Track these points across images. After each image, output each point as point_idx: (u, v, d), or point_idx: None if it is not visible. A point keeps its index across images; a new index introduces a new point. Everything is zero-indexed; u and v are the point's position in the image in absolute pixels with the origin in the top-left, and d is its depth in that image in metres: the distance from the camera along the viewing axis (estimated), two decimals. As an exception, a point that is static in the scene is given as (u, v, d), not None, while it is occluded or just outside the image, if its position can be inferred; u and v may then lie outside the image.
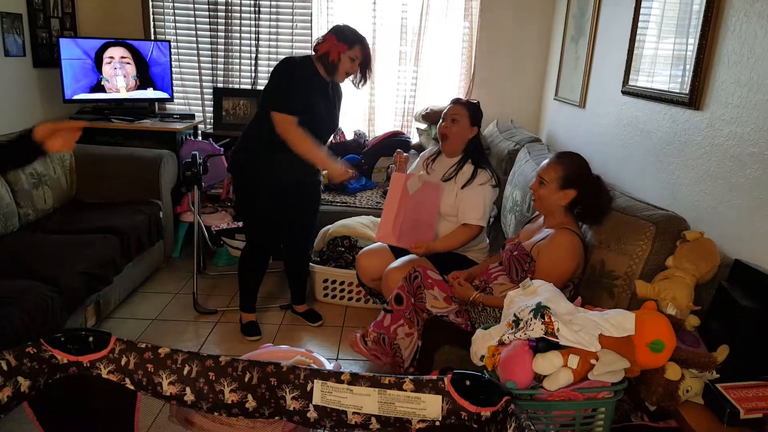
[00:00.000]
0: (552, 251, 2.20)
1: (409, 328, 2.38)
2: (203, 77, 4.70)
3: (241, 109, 4.59)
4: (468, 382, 1.42)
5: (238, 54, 4.65)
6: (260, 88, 4.56)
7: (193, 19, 4.59)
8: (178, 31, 4.63)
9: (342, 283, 3.55)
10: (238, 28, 4.59)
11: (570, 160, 2.32)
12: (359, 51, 2.80)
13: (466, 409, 1.40)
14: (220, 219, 4.02)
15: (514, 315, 1.74)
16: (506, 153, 3.68)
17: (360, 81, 2.94)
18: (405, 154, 2.96)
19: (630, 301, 2.04)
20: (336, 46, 2.76)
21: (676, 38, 2.47)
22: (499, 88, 4.62)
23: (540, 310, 1.65)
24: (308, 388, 1.47)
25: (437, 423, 1.42)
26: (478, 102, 2.90)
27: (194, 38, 4.62)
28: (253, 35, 4.60)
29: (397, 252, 2.88)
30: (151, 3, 4.55)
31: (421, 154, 3.14)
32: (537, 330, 1.62)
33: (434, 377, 1.43)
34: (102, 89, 4.21)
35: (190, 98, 4.78)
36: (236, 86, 4.70)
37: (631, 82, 2.85)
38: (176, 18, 4.60)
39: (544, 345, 1.61)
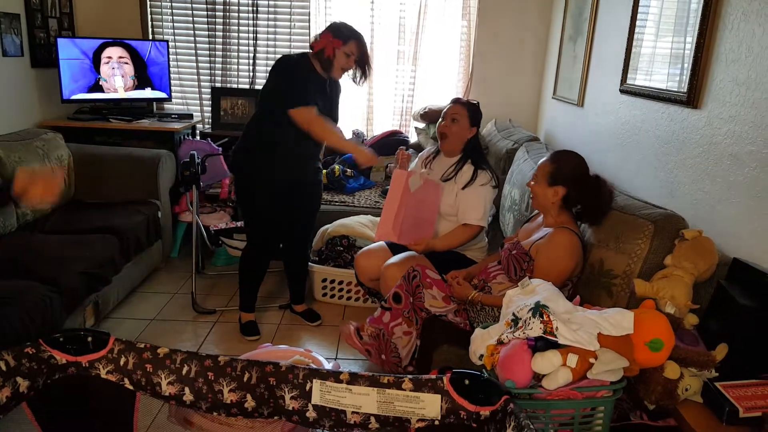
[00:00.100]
0: (550, 250, 2.20)
1: (407, 327, 2.38)
2: (201, 77, 4.70)
3: (239, 108, 4.58)
4: (467, 382, 1.42)
5: (236, 54, 4.65)
6: (258, 87, 4.56)
7: (191, 18, 4.58)
8: (176, 30, 4.62)
9: (341, 282, 3.55)
10: (236, 27, 4.59)
11: (562, 157, 2.32)
12: (354, 47, 2.81)
13: (465, 408, 1.41)
14: (218, 219, 4.02)
15: (513, 314, 1.74)
16: (504, 152, 3.68)
17: (360, 78, 2.94)
18: (408, 151, 2.96)
19: (629, 300, 2.04)
20: (331, 43, 2.78)
21: (674, 37, 2.47)
22: (497, 87, 4.62)
23: (539, 309, 1.65)
24: (307, 388, 1.47)
25: (436, 422, 1.42)
26: (478, 103, 2.91)
27: (192, 38, 4.62)
28: (251, 35, 4.60)
29: (396, 251, 2.87)
30: (149, 3, 4.54)
31: (419, 154, 3.15)
32: (536, 329, 1.62)
33: (433, 376, 1.43)
34: (100, 89, 4.21)
35: (188, 98, 4.77)
36: (234, 86, 4.69)
37: (629, 81, 2.85)
38: (174, 18, 4.59)
39: (543, 344, 1.61)
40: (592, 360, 1.57)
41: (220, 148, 4.16)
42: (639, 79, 2.77)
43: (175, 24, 4.60)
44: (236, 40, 4.62)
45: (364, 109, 4.78)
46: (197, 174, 3.43)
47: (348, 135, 4.75)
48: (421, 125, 4.55)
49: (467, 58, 4.62)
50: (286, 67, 2.81)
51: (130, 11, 4.53)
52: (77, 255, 2.89)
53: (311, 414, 1.47)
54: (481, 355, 1.79)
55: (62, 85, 4.02)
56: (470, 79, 4.63)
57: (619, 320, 1.65)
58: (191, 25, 4.59)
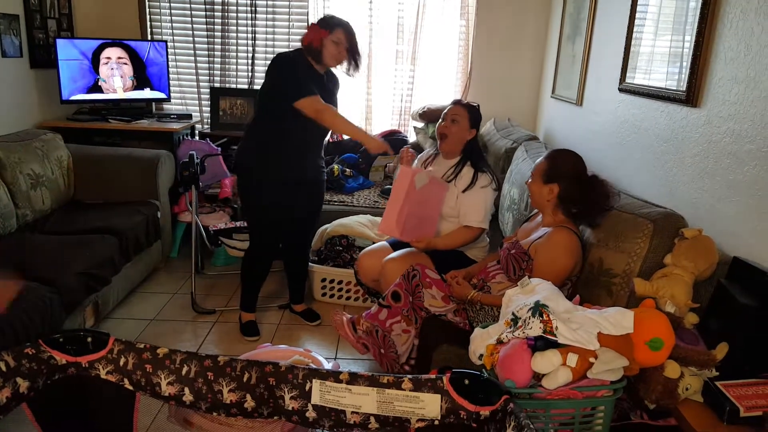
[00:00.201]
0: (549, 249, 2.19)
1: (406, 326, 2.38)
2: (200, 77, 4.70)
3: (238, 108, 4.58)
4: (467, 381, 1.42)
5: (234, 54, 4.65)
6: (257, 87, 4.55)
7: (189, 19, 4.58)
8: (174, 31, 4.62)
9: (340, 282, 3.55)
10: (235, 27, 4.59)
11: (558, 155, 2.32)
12: (341, 34, 2.82)
13: (465, 408, 1.40)
14: (217, 219, 4.02)
15: (513, 314, 1.74)
16: (504, 151, 3.68)
17: (351, 68, 2.94)
18: (412, 150, 2.96)
19: (628, 299, 2.04)
20: (318, 33, 2.80)
21: (673, 35, 2.47)
22: (496, 87, 4.62)
23: (538, 309, 1.65)
24: (307, 388, 1.46)
25: (436, 422, 1.42)
26: (479, 105, 2.92)
27: (191, 38, 4.62)
28: (249, 35, 4.60)
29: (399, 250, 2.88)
30: (147, 3, 4.54)
31: (419, 156, 3.15)
32: (535, 328, 1.61)
33: (433, 376, 1.43)
34: (99, 90, 4.21)
35: (187, 98, 4.77)
36: (233, 86, 4.69)
37: (628, 80, 2.85)
38: (173, 18, 4.59)
39: (543, 343, 1.60)
40: (592, 359, 1.57)
41: (219, 148, 4.16)
42: (638, 77, 2.77)
43: (173, 24, 4.60)
44: (235, 40, 4.62)
45: (362, 109, 4.77)
46: (196, 174, 3.43)
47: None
48: (420, 125, 4.55)
49: (466, 58, 4.62)
50: (284, 63, 2.83)
51: (128, 12, 4.53)
52: (77, 255, 2.89)
53: (311, 414, 1.47)
54: (481, 355, 1.78)
55: (61, 85, 4.02)
56: (469, 79, 4.63)
57: (619, 319, 1.64)
58: (190, 25, 4.59)
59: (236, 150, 3.04)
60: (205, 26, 4.59)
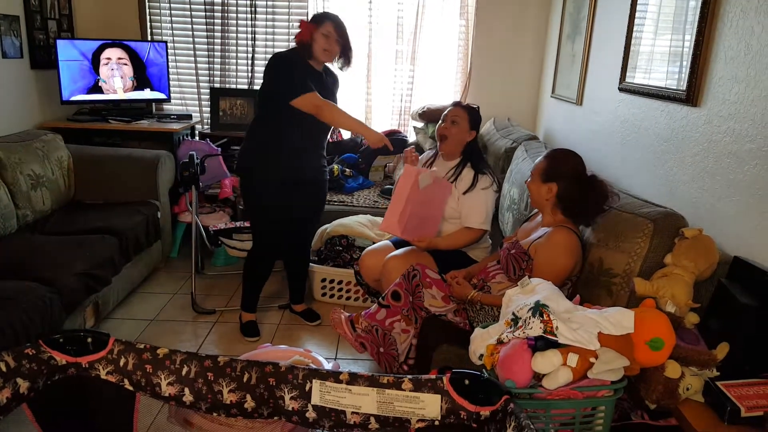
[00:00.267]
0: (549, 249, 2.19)
1: (406, 325, 2.38)
2: (200, 77, 4.70)
3: (238, 109, 4.58)
4: (467, 382, 1.41)
5: (234, 54, 4.65)
6: (257, 87, 4.54)
7: (189, 19, 4.58)
8: (174, 31, 4.62)
9: (340, 282, 3.55)
10: (235, 28, 4.59)
11: (557, 155, 2.32)
12: (330, 26, 2.83)
13: (465, 408, 1.40)
14: (217, 219, 4.02)
15: (513, 313, 1.74)
16: (503, 151, 3.68)
17: (342, 61, 2.96)
18: (416, 152, 2.96)
19: (629, 299, 2.03)
20: (307, 28, 2.83)
21: (673, 35, 2.47)
22: (495, 86, 4.61)
23: (539, 309, 1.64)
24: (307, 388, 1.46)
25: (436, 422, 1.42)
26: (478, 107, 2.92)
27: (191, 39, 4.62)
28: (249, 35, 4.60)
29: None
30: (147, 4, 4.54)
31: (419, 158, 3.14)
32: (536, 328, 1.61)
33: (433, 376, 1.43)
34: (99, 90, 4.21)
35: (187, 99, 4.77)
36: (233, 86, 4.69)
37: (628, 79, 2.85)
38: (173, 19, 4.59)
39: (543, 343, 1.60)
40: (592, 359, 1.57)
41: (219, 149, 4.16)
42: (638, 77, 2.76)
43: (173, 25, 4.60)
44: (234, 41, 4.62)
45: (362, 109, 4.77)
46: (196, 174, 3.43)
47: (347, 134, 4.75)
48: (420, 124, 4.55)
49: (465, 57, 4.61)
50: (280, 62, 2.84)
51: (128, 12, 4.53)
52: (77, 256, 2.89)
53: (311, 414, 1.46)
54: (481, 355, 1.78)
55: (62, 86, 4.02)
56: (468, 78, 4.62)
57: (619, 319, 1.64)
58: (190, 25, 4.59)
59: (238, 152, 3.05)
60: (204, 26, 4.59)
